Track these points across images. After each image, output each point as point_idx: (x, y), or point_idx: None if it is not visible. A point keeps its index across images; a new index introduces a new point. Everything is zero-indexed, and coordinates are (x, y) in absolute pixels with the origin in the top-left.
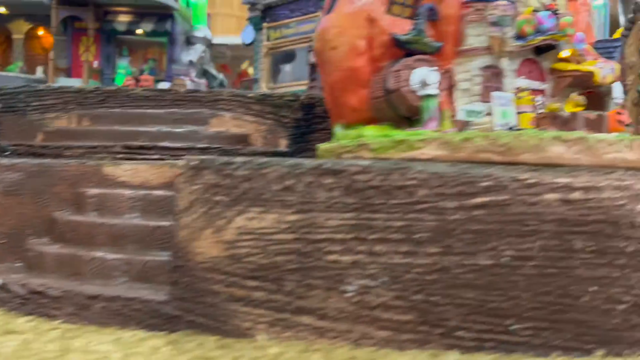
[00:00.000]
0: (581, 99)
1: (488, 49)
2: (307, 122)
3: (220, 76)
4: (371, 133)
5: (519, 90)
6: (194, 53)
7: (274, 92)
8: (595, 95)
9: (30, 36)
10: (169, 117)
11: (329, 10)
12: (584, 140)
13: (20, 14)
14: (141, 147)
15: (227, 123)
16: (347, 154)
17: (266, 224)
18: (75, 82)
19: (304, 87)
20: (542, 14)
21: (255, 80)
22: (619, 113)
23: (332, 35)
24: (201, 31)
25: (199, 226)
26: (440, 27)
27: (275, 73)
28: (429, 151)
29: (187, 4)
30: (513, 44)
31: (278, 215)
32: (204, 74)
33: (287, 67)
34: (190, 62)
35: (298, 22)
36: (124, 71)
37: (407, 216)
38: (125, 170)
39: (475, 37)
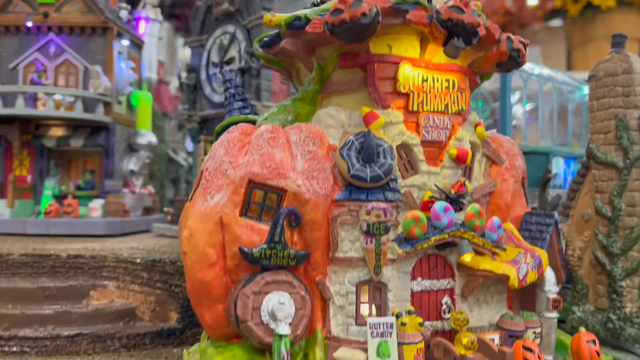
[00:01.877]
0: (472, 339)
1: (365, 260)
2: None
3: (189, 161)
4: None
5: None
6: (137, 161)
7: (165, 257)
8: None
9: None
10: (40, 294)
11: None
12: None
13: None
14: None
15: (110, 294)
16: None
17: None
18: (2, 204)
19: None
20: (438, 207)
21: None
22: (527, 348)
23: (183, 238)
24: (145, 137)
25: None
26: (305, 233)
27: None
28: None
29: (130, 109)
30: (397, 252)
31: None
32: (169, 161)
33: None
34: (132, 172)
35: None
36: (50, 192)
37: None
38: None
39: (350, 242)
